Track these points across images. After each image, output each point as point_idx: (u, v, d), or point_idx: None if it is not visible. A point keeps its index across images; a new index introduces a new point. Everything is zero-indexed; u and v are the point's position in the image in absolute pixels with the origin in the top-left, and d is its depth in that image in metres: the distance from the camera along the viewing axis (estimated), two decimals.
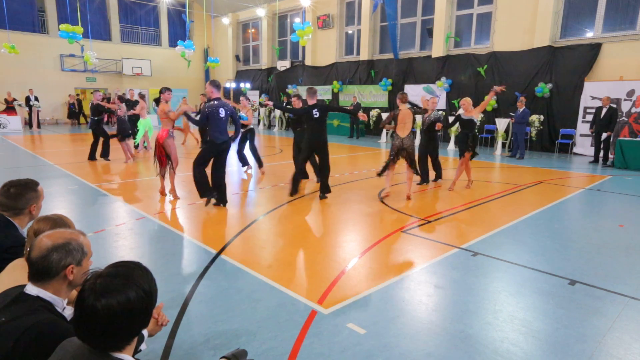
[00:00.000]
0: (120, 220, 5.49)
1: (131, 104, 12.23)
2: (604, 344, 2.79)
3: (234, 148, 7.85)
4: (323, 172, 6.71)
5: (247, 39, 25.28)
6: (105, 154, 10.17)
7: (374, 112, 16.93)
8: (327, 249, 4.56)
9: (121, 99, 11.30)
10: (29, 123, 19.22)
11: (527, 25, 13.23)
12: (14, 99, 18.57)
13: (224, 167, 6.15)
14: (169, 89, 6.54)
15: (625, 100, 11.25)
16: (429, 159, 8.04)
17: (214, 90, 5.82)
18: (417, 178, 7.69)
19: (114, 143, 10.59)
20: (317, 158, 6.99)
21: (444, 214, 5.97)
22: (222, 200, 6.12)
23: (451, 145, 13.67)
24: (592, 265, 4.16)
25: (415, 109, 6.95)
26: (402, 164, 6.96)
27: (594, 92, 11.78)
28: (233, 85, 22.93)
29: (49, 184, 7.49)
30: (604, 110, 10.59)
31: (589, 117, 11.54)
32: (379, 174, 6.77)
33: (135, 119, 11.74)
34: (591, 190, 7.64)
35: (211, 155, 5.98)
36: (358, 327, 2.93)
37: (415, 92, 15.14)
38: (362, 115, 6.63)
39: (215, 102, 5.79)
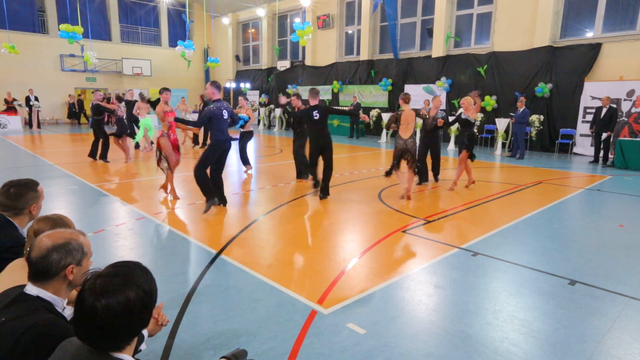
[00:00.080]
0: (120, 220, 5.49)
1: (131, 104, 12.24)
2: (604, 344, 2.79)
3: (233, 148, 7.84)
4: (326, 172, 6.71)
5: (247, 39, 25.29)
6: (103, 156, 10.15)
7: (374, 112, 16.94)
8: (327, 249, 4.56)
9: (119, 98, 11.31)
10: (29, 123, 19.22)
11: (527, 25, 13.23)
12: (14, 99, 18.57)
13: (223, 166, 6.16)
14: (166, 89, 6.50)
15: (625, 100, 11.25)
16: (430, 159, 8.06)
17: (215, 92, 5.80)
18: (417, 178, 7.70)
19: (113, 144, 10.57)
20: (321, 158, 6.97)
21: (444, 214, 5.97)
22: (221, 200, 6.13)
23: (451, 145, 13.67)
24: (592, 265, 4.16)
25: (422, 116, 6.96)
26: (402, 164, 6.96)
27: (594, 92, 11.78)
28: (233, 85, 22.93)
29: (49, 184, 7.49)
30: (604, 110, 10.59)
31: (589, 117, 11.54)
32: (386, 175, 6.80)
33: (135, 119, 11.75)
34: (591, 190, 7.64)
35: (216, 157, 5.97)
36: (358, 327, 2.93)
37: (415, 92, 15.13)
38: (363, 117, 6.63)
39: (218, 104, 5.80)
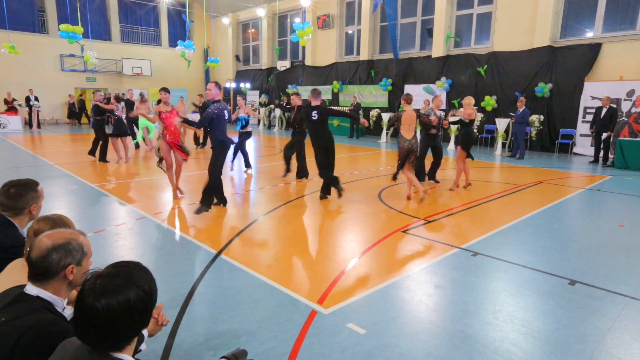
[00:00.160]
0: (120, 220, 5.49)
1: (130, 104, 12.24)
2: (604, 344, 2.79)
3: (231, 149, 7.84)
4: (327, 172, 6.71)
5: (247, 39, 25.29)
6: (102, 157, 10.14)
7: (373, 112, 16.95)
8: (327, 249, 4.56)
9: (118, 99, 11.29)
10: (29, 123, 19.21)
11: (527, 25, 13.23)
12: (14, 99, 18.57)
13: (223, 166, 6.15)
14: (163, 90, 6.42)
15: (625, 100, 11.25)
16: (429, 160, 8.07)
17: (219, 92, 5.79)
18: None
19: (111, 144, 10.54)
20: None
21: (444, 214, 5.97)
22: (221, 200, 6.13)
23: (451, 145, 13.67)
24: (592, 265, 4.16)
25: (425, 118, 6.96)
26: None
27: (594, 92, 11.78)
28: (233, 85, 22.93)
29: (49, 184, 7.49)
30: (604, 110, 10.59)
31: (589, 117, 11.54)
32: (394, 179, 6.79)
33: (134, 119, 11.75)
34: (591, 190, 7.64)
35: (225, 157, 5.97)
36: (358, 327, 2.93)
37: (415, 92, 15.13)
38: (363, 121, 6.63)
39: (220, 104, 5.79)
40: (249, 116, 8.99)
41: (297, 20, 20.87)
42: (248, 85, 23.45)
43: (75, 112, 21.84)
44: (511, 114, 12.32)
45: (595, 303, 3.35)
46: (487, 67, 14.11)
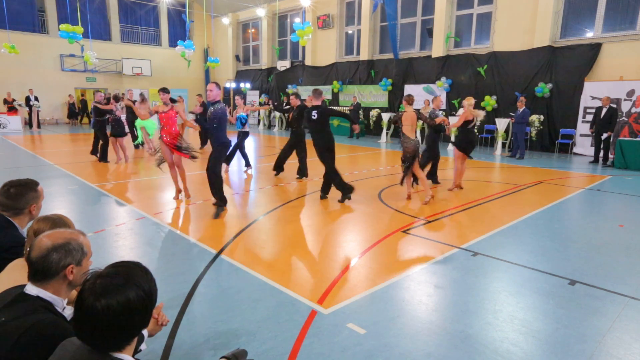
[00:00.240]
0: (120, 220, 5.49)
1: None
2: (604, 344, 2.79)
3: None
4: (336, 176, 6.72)
5: (247, 39, 25.29)
6: (102, 158, 10.14)
7: (373, 112, 16.96)
8: (327, 249, 4.56)
9: (117, 98, 11.29)
10: (29, 123, 19.22)
11: (527, 25, 13.23)
12: (14, 99, 18.58)
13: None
14: (161, 90, 6.37)
15: (625, 100, 11.25)
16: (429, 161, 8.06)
17: (219, 93, 5.80)
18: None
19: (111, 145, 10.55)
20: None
21: (444, 214, 5.97)
22: (221, 200, 6.12)
23: (450, 146, 13.65)
24: (592, 265, 4.16)
25: (426, 120, 6.94)
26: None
27: (594, 92, 11.78)
28: (233, 85, 22.94)
29: (49, 184, 7.49)
30: (604, 110, 10.59)
31: (589, 117, 11.54)
32: (402, 183, 6.77)
33: (132, 119, 11.74)
34: (591, 190, 7.64)
35: (225, 157, 5.98)
36: (358, 327, 2.93)
37: (415, 92, 15.12)
38: (355, 127, 7.05)
39: (222, 105, 5.79)
40: (247, 115, 9.00)
41: (297, 20, 20.87)
42: (248, 85, 23.44)
43: (76, 112, 21.85)
44: (511, 114, 12.32)
45: (595, 303, 3.35)
46: (487, 67, 14.11)
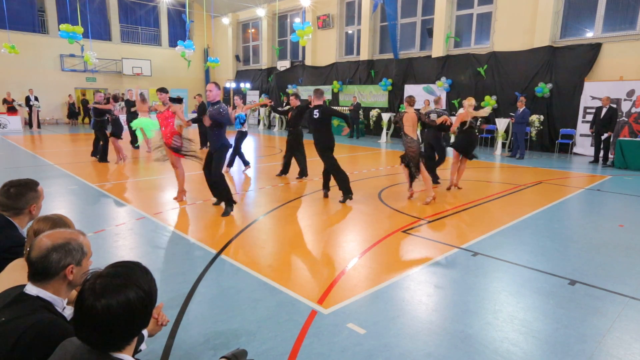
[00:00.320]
0: (120, 220, 5.49)
1: (130, 104, 12.24)
2: (604, 344, 2.79)
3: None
4: (326, 172, 6.75)
5: (247, 39, 25.29)
6: (102, 158, 10.13)
7: (373, 112, 16.95)
8: (327, 249, 4.56)
9: (115, 98, 11.30)
10: (29, 123, 19.22)
11: (527, 25, 13.23)
12: (14, 99, 18.57)
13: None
14: (159, 90, 6.31)
15: (625, 100, 11.25)
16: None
17: (219, 93, 5.77)
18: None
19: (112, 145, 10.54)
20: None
21: (444, 214, 5.97)
22: (220, 200, 6.12)
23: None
24: (592, 265, 4.16)
25: (427, 120, 6.93)
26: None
27: (594, 92, 11.78)
28: (233, 85, 22.94)
29: (49, 184, 7.49)
30: (604, 110, 10.59)
31: (589, 117, 11.54)
32: (410, 185, 6.74)
33: (131, 120, 11.75)
34: (591, 190, 7.64)
35: (225, 160, 5.98)
36: (358, 327, 2.93)
37: (415, 92, 15.13)
38: (345, 130, 6.83)
39: (224, 106, 5.78)
40: (246, 115, 8.99)
41: (297, 20, 20.87)
42: (248, 85, 23.45)
43: (76, 112, 21.84)
44: (511, 114, 12.32)
45: (595, 303, 3.35)
46: (487, 67, 14.11)
